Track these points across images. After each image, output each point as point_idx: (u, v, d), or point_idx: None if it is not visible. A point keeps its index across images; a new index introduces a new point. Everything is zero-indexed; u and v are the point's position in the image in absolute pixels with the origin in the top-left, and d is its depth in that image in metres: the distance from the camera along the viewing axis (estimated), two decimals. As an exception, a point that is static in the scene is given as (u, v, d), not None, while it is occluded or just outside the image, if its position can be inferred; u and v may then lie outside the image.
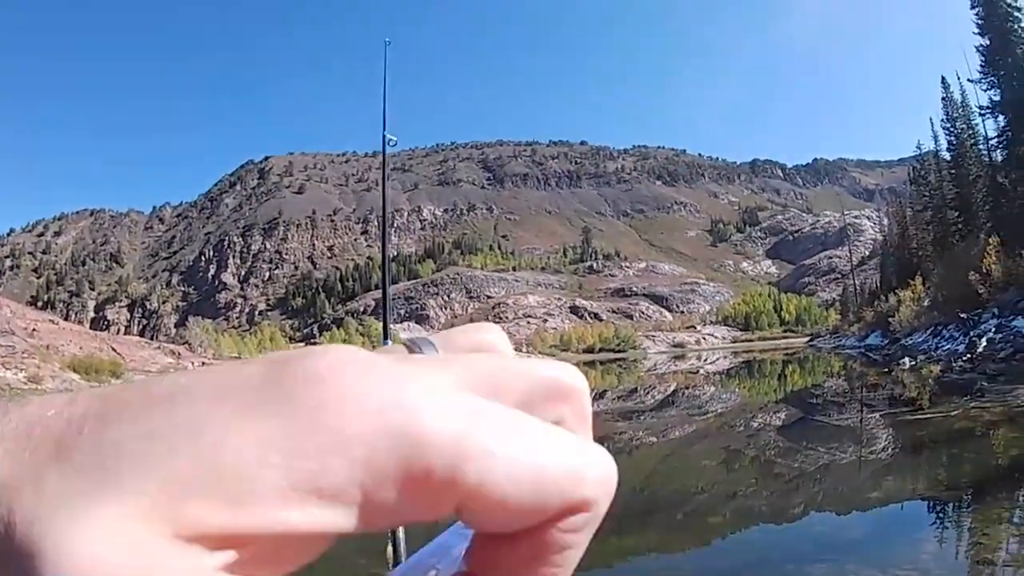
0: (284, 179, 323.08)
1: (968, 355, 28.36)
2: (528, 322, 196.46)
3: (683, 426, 22.67)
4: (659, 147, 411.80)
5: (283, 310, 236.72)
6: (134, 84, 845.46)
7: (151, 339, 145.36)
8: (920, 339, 41.36)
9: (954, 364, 28.14)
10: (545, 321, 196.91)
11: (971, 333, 31.52)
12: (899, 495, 11.03)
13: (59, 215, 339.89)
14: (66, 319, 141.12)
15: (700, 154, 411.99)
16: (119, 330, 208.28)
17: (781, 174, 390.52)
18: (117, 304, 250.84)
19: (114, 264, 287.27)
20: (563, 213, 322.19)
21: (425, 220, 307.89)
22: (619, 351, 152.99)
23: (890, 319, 53.96)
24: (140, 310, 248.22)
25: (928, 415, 17.18)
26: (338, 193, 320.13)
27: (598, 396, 39.18)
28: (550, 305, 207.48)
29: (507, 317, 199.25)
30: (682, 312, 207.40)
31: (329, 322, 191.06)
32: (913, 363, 32.64)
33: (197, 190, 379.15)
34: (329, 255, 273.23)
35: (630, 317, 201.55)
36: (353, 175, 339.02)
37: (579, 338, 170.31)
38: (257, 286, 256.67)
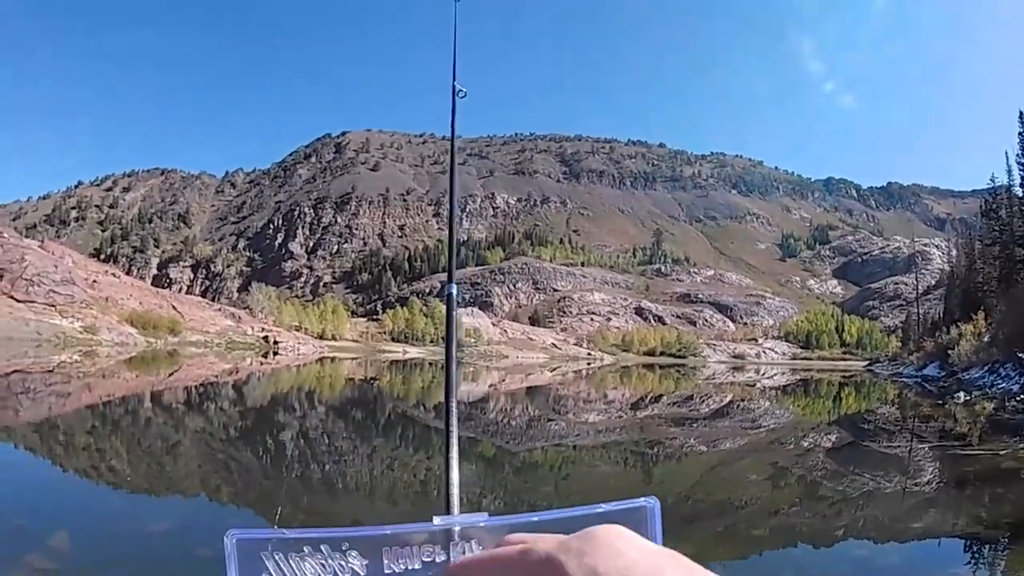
0: (360, 155, 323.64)
1: (1022, 395, 27.97)
2: (592, 319, 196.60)
3: (734, 438, 22.42)
4: (736, 156, 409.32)
5: (348, 284, 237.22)
6: (217, 53, 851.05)
7: (212, 300, 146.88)
8: (977, 375, 40.99)
9: (1007, 403, 28.03)
10: (609, 320, 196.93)
11: None
12: (939, 529, 10.84)
13: (130, 171, 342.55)
14: (128, 274, 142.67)
15: (776, 167, 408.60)
16: (181, 289, 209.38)
17: (855, 194, 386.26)
18: (181, 263, 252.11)
19: (181, 224, 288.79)
20: (636, 213, 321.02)
21: (498, 208, 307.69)
22: (679, 356, 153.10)
23: (949, 352, 53.39)
24: (204, 271, 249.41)
25: (977, 452, 17.09)
26: (413, 173, 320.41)
27: (654, 400, 38.98)
28: (615, 304, 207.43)
29: (571, 312, 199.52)
30: (745, 323, 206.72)
31: (393, 300, 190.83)
32: (967, 398, 32.16)
33: (271, 159, 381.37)
34: (399, 234, 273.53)
35: (693, 323, 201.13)
36: (429, 156, 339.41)
37: (641, 340, 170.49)
38: (324, 258, 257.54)
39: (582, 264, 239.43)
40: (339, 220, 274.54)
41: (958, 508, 12.02)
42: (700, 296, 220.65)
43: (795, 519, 11.67)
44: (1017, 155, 56.59)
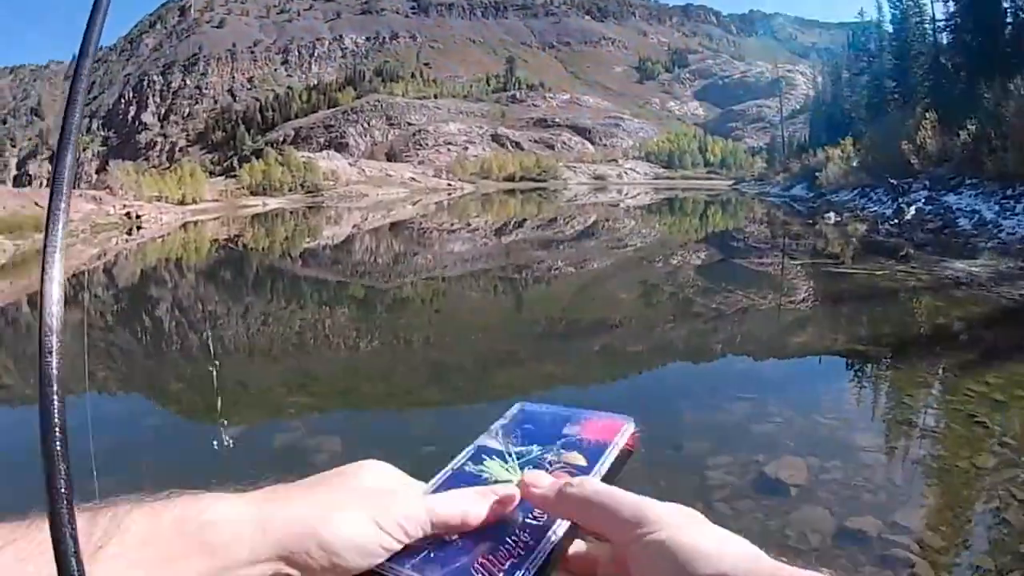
0: (204, 15, 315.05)
1: (896, 220, 28.95)
2: (449, 149, 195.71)
3: (602, 258, 23.02)
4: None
5: (203, 145, 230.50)
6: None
7: (74, 187, 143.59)
8: (847, 197, 42.27)
9: (880, 226, 28.92)
10: (466, 149, 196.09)
11: (900, 200, 32.03)
12: (819, 346, 11.42)
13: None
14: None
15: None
16: (41, 183, 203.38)
17: (715, 20, 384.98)
18: (39, 157, 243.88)
19: (35, 118, 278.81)
20: (488, 43, 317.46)
21: (347, 48, 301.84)
22: (540, 180, 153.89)
23: (817, 174, 55.12)
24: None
25: (852, 271, 17.96)
26: (259, 25, 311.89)
27: (518, 224, 39.59)
28: (471, 133, 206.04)
29: (427, 144, 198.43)
30: (605, 145, 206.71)
31: (249, 154, 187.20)
32: (838, 219, 33.46)
33: (117, 34, 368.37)
34: (249, 87, 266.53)
35: (552, 147, 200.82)
36: (275, 6, 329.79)
37: (500, 166, 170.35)
38: (177, 123, 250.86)
39: (435, 96, 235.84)
40: (188, 83, 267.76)
41: (836, 325, 12.80)
42: (557, 120, 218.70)
43: (672, 335, 12.28)
44: (888, -8, 58.16)
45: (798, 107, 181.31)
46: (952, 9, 46.96)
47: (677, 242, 28.89)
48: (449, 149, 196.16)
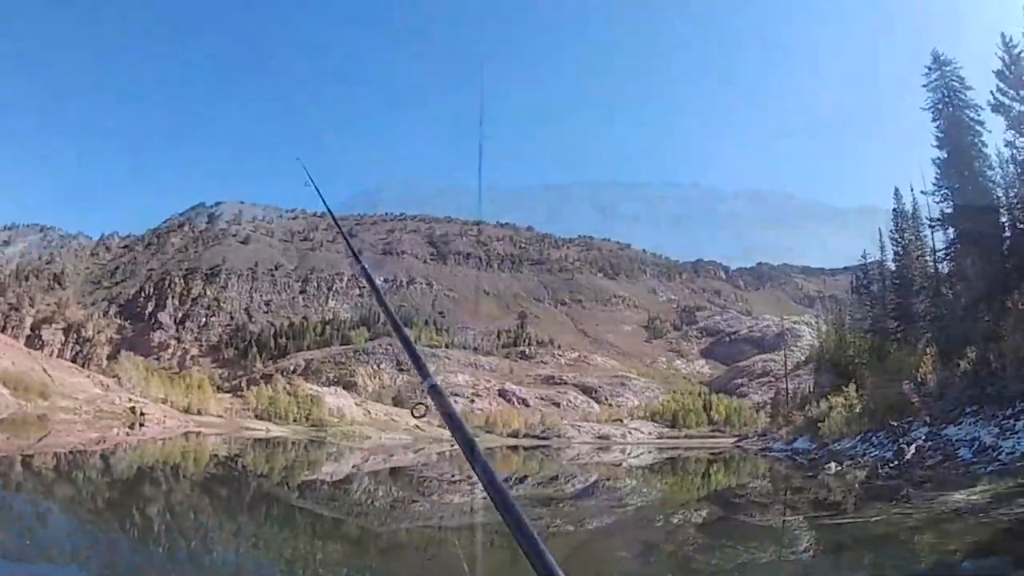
0: (232, 227, 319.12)
1: (895, 461, 29.26)
2: (456, 401, 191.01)
3: (601, 517, 23.52)
4: (604, 239, 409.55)
5: (214, 359, 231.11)
6: (98, 112, 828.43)
7: (83, 366, 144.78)
8: (848, 445, 42.37)
9: (880, 470, 28.85)
10: (472, 401, 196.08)
11: (900, 440, 32.47)
12: None
13: (10, 225, 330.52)
14: (2, 331, 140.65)
15: (644, 250, 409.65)
16: (52, 352, 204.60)
17: (723, 276, 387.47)
18: (54, 325, 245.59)
19: (56, 285, 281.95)
20: (502, 296, 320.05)
21: (364, 287, 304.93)
22: (543, 438, 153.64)
23: (819, 424, 55.33)
24: (75, 335, 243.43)
25: (850, 519, 17.44)
26: (282, 248, 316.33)
27: (519, 480, 40.14)
28: (479, 386, 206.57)
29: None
30: (610, 404, 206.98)
31: (258, 377, 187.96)
32: (839, 468, 32.77)
33: (146, 224, 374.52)
34: (265, 310, 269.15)
35: (557, 405, 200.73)
36: (299, 232, 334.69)
37: (505, 422, 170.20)
38: (192, 330, 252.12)
39: (446, 346, 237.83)
40: (208, 292, 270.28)
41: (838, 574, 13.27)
42: (564, 378, 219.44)
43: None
44: (890, 231, 59.27)
45: (803, 358, 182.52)
46: (952, 236, 47.91)
47: (678, 501, 29.30)
48: (456, 400, 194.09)
